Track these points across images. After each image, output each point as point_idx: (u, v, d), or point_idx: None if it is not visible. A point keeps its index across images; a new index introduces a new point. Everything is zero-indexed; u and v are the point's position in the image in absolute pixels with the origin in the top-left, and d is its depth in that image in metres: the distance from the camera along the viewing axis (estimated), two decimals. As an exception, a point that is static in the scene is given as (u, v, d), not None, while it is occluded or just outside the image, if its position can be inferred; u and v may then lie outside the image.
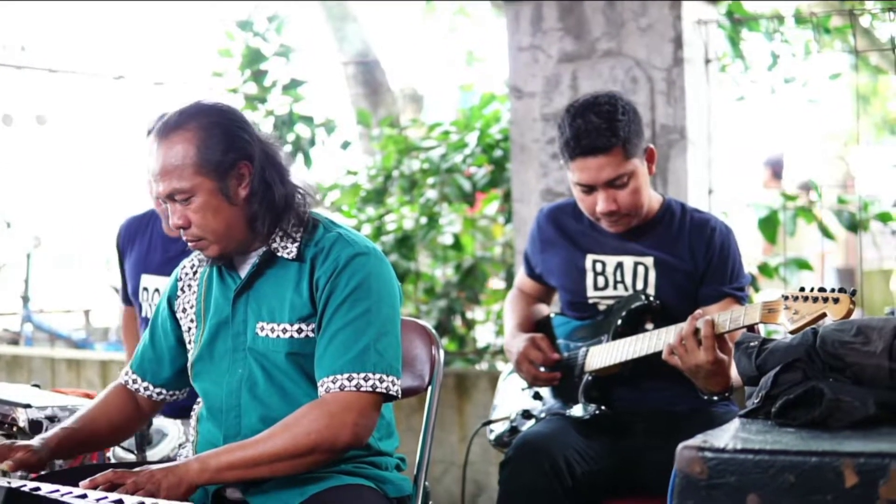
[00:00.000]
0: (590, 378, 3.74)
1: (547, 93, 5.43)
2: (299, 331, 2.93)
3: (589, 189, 3.68)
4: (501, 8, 6.00)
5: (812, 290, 3.11)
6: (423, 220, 6.57)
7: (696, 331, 3.35)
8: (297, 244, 2.97)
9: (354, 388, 2.82)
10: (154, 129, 2.94)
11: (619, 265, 3.80)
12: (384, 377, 2.85)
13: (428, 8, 12.29)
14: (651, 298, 3.73)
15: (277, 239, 2.98)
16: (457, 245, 6.55)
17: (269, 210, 2.96)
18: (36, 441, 2.99)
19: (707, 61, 5.36)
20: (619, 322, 3.73)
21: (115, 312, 11.49)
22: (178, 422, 3.86)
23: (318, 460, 2.81)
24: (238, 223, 2.95)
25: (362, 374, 2.83)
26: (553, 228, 3.98)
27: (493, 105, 6.70)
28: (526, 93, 5.51)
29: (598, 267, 3.83)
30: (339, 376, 2.83)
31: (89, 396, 3.81)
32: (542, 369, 3.87)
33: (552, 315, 4.05)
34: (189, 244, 2.99)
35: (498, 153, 6.39)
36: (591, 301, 3.85)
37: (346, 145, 7.36)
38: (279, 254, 2.98)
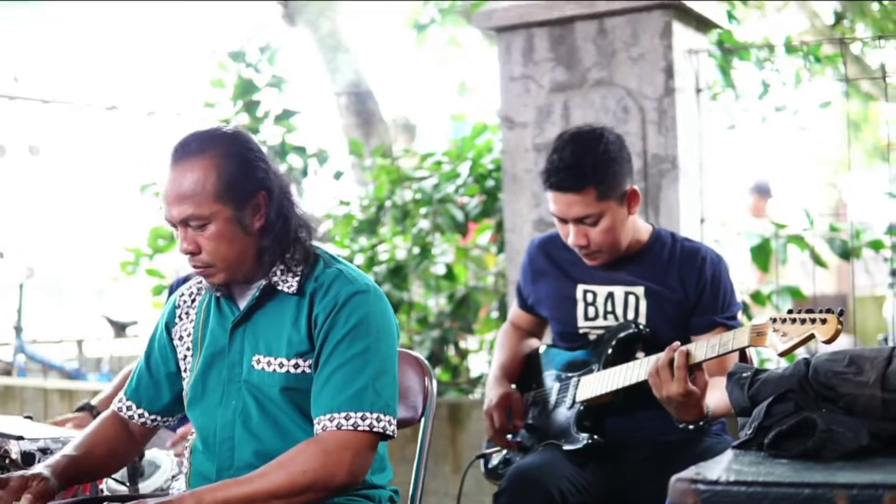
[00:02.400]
0: (582, 408, 3.73)
1: (539, 123, 5.44)
2: (296, 366, 2.92)
3: (563, 221, 3.71)
4: (493, 38, 6.02)
5: (800, 311, 3.12)
6: (416, 250, 6.57)
7: (671, 361, 3.35)
8: (297, 278, 2.96)
9: (351, 428, 2.81)
10: (173, 152, 2.91)
11: (610, 295, 3.80)
12: (381, 416, 2.84)
13: (420, 38, 12.33)
14: (641, 327, 3.73)
15: (278, 272, 2.97)
16: (449, 275, 6.55)
17: (280, 243, 2.95)
18: (44, 470, 2.95)
19: (698, 90, 5.38)
20: (610, 351, 3.72)
21: (108, 343, 11.47)
22: (171, 453, 3.85)
23: (312, 499, 2.80)
24: (249, 253, 2.94)
25: (359, 414, 2.82)
26: (544, 258, 3.98)
27: (485, 135, 6.71)
28: (518, 123, 5.52)
29: (589, 297, 3.83)
30: (335, 415, 2.82)
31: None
32: (510, 437, 3.90)
33: (542, 348, 4.05)
34: (194, 270, 2.97)
35: (490, 183, 6.40)
36: (581, 331, 3.85)
37: (338, 175, 7.37)
38: (279, 287, 2.96)
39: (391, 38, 13.82)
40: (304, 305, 2.94)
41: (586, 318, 3.84)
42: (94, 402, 4.20)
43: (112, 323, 11.44)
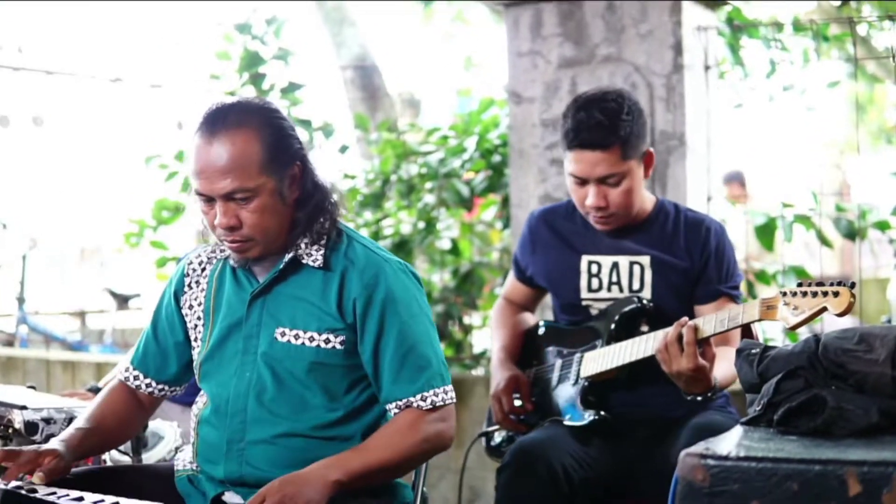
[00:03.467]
0: (586, 384, 3.71)
1: (546, 98, 5.42)
2: (327, 341, 2.92)
3: (582, 182, 3.68)
4: (500, 13, 6.00)
5: (810, 284, 3.09)
6: (421, 224, 6.56)
7: (680, 337, 3.34)
8: (322, 252, 2.95)
9: (441, 403, 2.93)
10: (207, 124, 2.86)
11: (615, 265, 3.78)
12: (452, 388, 2.99)
13: (426, 13, 12.29)
14: (644, 301, 3.71)
15: (303, 245, 2.95)
16: (454, 250, 6.54)
17: (312, 214, 2.95)
18: (57, 444, 2.94)
19: (706, 68, 5.36)
20: (613, 327, 3.71)
21: (110, 315, 11.47)
22: (175, 424, 3.84)
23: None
24: (285, 226, 2.93)
25: (442, 388, 2.95)
26: (546, 230, 3.95)
27: (491, 110, 6.68)
28: (525, 98, 5.50)
29: (594, 268, 3.81)
30: (425, 394, 2.92)
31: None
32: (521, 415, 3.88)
33: (541, 324, 4.03)
34: (230, 245, 2.92)
35: (496, 158, 6.38)
36: (584, 303, 3.83)
37: (343, 149, 7.35)
38: (304, 261, 2.95)
39: (397, 13, 13.78)
40: (333, 281, 2.93)
41: (590, 290, 3.82)
42: (100, 384, 4.19)
43: (115, 295, 11.44)
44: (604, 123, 3.60)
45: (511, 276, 4.17)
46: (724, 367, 3.41)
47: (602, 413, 3.64)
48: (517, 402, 3.85)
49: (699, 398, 3.43)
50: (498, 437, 3.98)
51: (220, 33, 7.43)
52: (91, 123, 15.25)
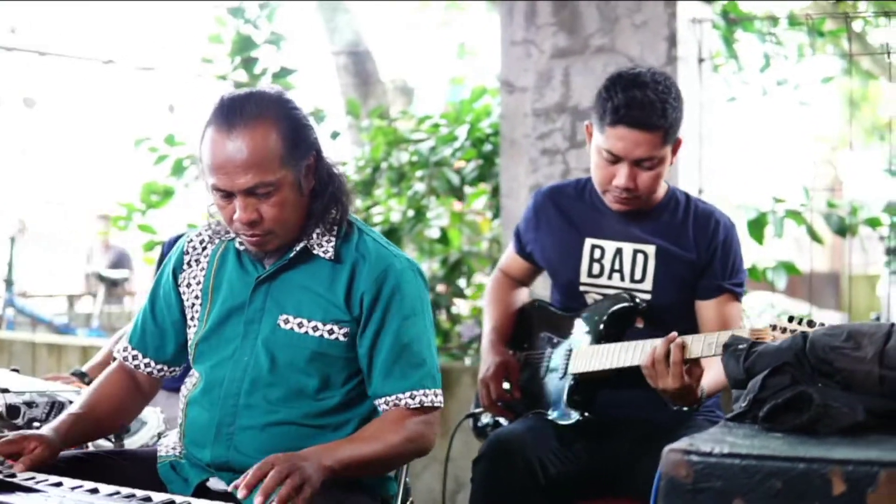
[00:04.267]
0: (573, 382, 3.67)
1: (539, 88, 5.40)
2: (330, 332, 2.90)
3: (614, 160, 3.59)
4: (495, 1, 5.97)
5: (801, 321, 3.06)
6: (411, 212, 6.54)
7: (668, 354, 3.30)
8: (332, 243, 2.93)
9: (430, 404, 2.92)
10: (223, 117, 2.81)
11: (618, 252, 3.72)
12: (441, 393, 2.97)
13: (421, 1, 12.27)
14: (637, 300, 3.67)
15: (314, 235, 2.93)
16: (443, 239, 6.52)
17: (328, 204, 2.92)
18: (47, 432, 2.89)
19: (700, 60, 5.34)
20: (602, 327, 3.65)
21: (98, 299, 11.45)
22: (158, 409, 3.81)
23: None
24: (302, 217, 2.91)
25: (432, 390, 2.93)
26: (553, 208, 3.88)
27: (483, 99, 6.67)
28: (517, 87, 5.48)
29: (597, 253, 3.75)
30: (415, 392, 2.91)
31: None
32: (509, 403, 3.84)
33: (535, 305, 3.99)
34: (248, 239, 2.88)
35: (487, 147, 6.36)
36: (581, 288, 3.77)
37: (334, 135, 7.33)
38: (315, 251, 2.92)
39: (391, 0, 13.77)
40: (342, 273, 2.91)
41: (590, 275, 3.75)
42: (84, 368, 4.16)
43: (103, 279, 11.42)
44: (656, 105, 3.53)
45: (511, 248, 4.10)
46: (711, 374, 3.38)
47: (587, 414, 3.60)
48: (505, 386, 3.82)
49: (685, 409, 3.40)
50: (485, 419, 3.95)
51: (213, 17, 7.41)
52: (82, 105, 15.23)
